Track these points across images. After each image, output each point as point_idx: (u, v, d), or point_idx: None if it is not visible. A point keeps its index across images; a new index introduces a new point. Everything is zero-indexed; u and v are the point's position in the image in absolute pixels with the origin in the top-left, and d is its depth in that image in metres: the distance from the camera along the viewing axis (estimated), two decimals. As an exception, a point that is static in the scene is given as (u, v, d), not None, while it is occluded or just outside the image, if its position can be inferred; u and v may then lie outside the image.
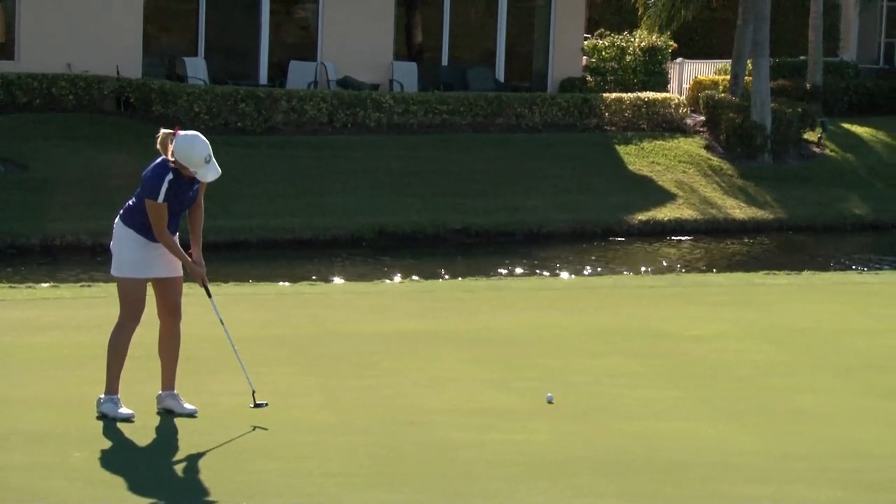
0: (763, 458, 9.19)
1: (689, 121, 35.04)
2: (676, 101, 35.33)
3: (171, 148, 9.68)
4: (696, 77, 37.83)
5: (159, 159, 9.78)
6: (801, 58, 38.84)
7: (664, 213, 30.28)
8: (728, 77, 36.25)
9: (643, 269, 25.31)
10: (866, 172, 34.34)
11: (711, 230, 30.23)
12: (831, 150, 35.06)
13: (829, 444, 9.57)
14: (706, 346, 12.82)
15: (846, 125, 36.69)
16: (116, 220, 9.93)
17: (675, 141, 33.94)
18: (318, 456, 8.99)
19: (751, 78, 34.53)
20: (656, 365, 11.96)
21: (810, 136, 35.10)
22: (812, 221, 31.30)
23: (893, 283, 18.66)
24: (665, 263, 26.96)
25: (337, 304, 15.52)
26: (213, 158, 9.74)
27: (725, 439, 9.63)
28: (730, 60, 36.40)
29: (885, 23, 44.19)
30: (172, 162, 9.69)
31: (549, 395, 10.53)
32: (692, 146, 33.90)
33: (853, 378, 11.61)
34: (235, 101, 29.94)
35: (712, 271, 24.56)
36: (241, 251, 24.85)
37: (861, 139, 36.07)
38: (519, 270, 23.76)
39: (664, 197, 31.08)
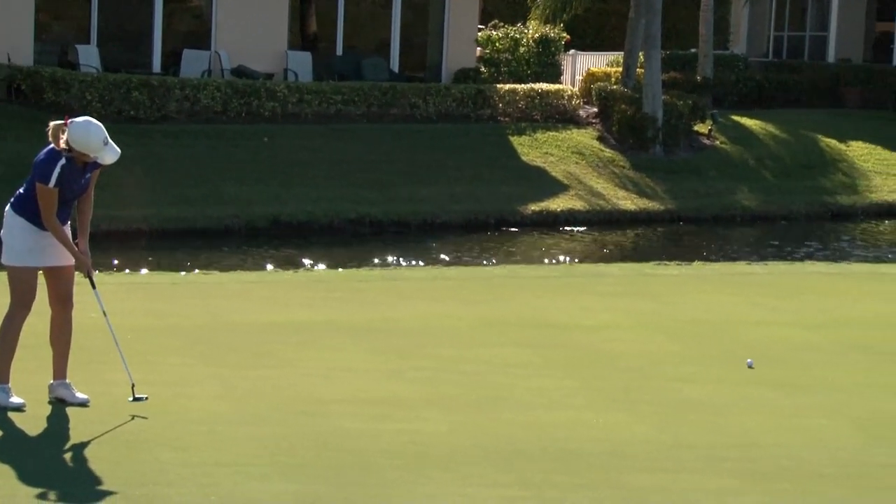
0: (655, 446, 9.27)
1: (581, 112, 35.23)
2: (569, 92, 35.50)
3: (63, 138, 9.57)
4: (589, 69, 38.01)
5: (51, 146, 9.68)
6: (692, 51, 39.19)
7: (557, 204, 30.42)
8: (620, 69, 36.47)
9: (537, 259, 25.41)
10: (755, 164, 34.71)
11: (603, 221, 30.41)
12: (721, 142, 35.40)
13: (719, 433, 9.66)
14: (599, 336, 12.90)
15: (736, 117, 37.08)
16: (7, 208, 9.80)
17: (568, 132, 34.11)
18: (212, 446, 8.94)
19: (643, 70, 34.77)
20: (550, 355, 12.02)
21: (701, 128, 35.42)
22: (702, 212, 31.59)
23: (781, 273, 18.86)
24: (558, 254, 27.09)
25: (231, 293, 15.44)
26: (110, 140, 9.67)
27: (618, 428, 9.69)
28: (622, 53, 36.62)
29: (773, 17, 44.73)
30: (67, 150, 9.57)
31: (750, 360, 11.37)
32: (585, 137, 34.08)
33: (742, 368, 11.72)
34: (128, 89, 29.65)
35: (605, 262, 24.72)
36: (135, 241, 24.63)
37: (750, 131, 36.45)
38: (414, 261, 23.76)
39: (557, 188, 31.23)
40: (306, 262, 22.28)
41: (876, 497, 8.34)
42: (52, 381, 9.87)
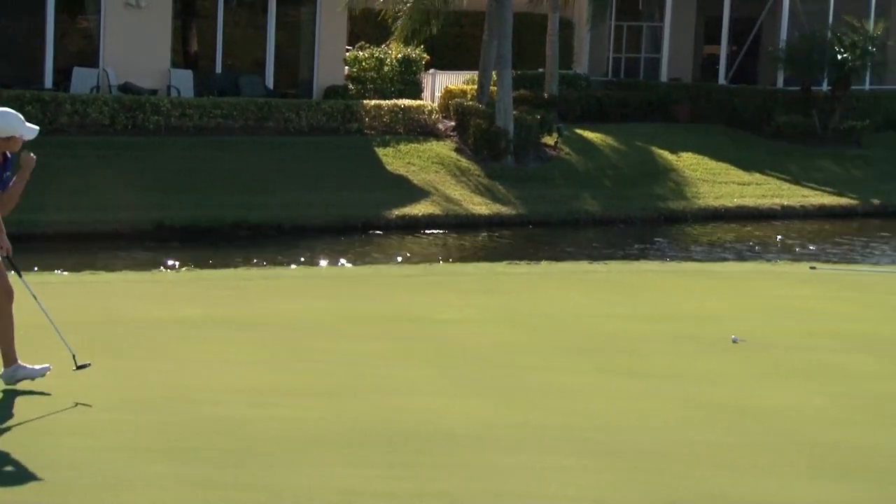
0: (514, 429, 9.36)
1: (440, 126, 35.43)
2: (429, 107, 35.68)
3: None
4: (447, 86, 38.22)
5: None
6: (540, 70, 39.54)
7: (418, 209, 30.58)
8: (475, 87, 36.72)
9: (400, 259, 25.55)
10: (597, 173, 35.14)
11: (461, 225, 30.63)
12: (566, 153, 35.79)
13: (570, 415, 9.78)
14: (457, 329, 13.01)
15: (579, 131, 37.49)
16: None
17: (429, 144, 34.28)
18: (110, 431, 8.92)
19: (496, 88, 35.06)
20: (415, 347, 12.11)
21: (548, 140, 35.77)
22: (549, 217, 31.92)
23: (619, 271, 19.15)
24: (419, 254, 27.23)
25: (119, 292, 15.36)
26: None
27: (483, 412, 9.78)
28: (477, 72, 36.88)
29: (612, 41, 45.26)
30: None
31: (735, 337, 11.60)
32: (443, 149, 34.27)
33: (588, 357, 11.91)
34: (21, 103, 29.25)
35: (462, 262, 24.90)
36: (28, 244, 24.30)
37: (592, 143, 36.89)
38: (289, 261, 23.77)
39: (419, 194, 31.39)
40: (188, 262, 22.17)
41: (699, 473, 8.54)
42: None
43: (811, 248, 29.93)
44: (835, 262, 25.45)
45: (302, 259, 24.43)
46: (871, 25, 40.41)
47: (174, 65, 34.35)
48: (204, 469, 8.23)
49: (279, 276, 17.73)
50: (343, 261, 24.40)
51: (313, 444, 8.83)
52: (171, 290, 15.63)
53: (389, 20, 36.35)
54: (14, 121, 9.64)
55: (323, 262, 24.10)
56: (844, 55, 39.54)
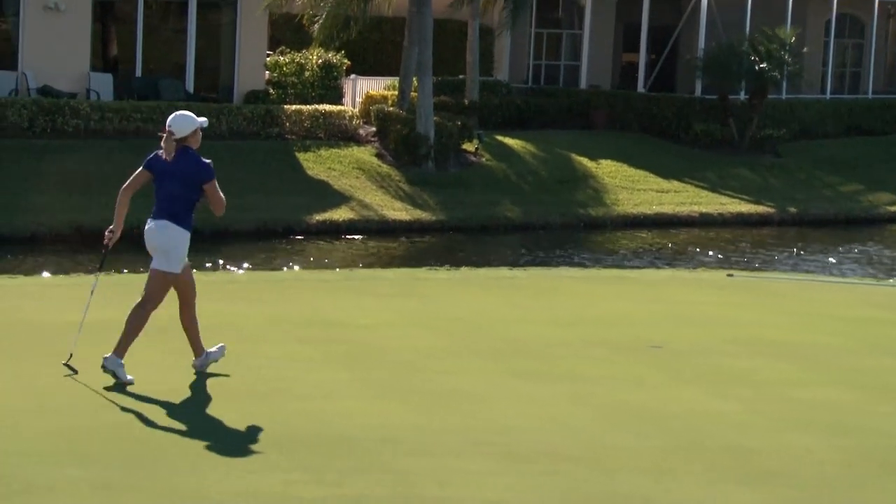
0: (423, 433, 9.33)
1: (361, 131, 35.34)
2: (350, 113, 35.58)
3: (176, 137, 10.20)
4: (368, 92, 38.13)
5: (187, 152, 10.25)
6: (461, 77, 39.55)
7: (339, 214, 30.46)
8: (396, 92, 36.66)
9: (320, 264, 25.41)
10: (517, 179, 35.18)
11: (381, 230, 30.55)
12: (487, 160, 35.81)
13: (481, 419, 9.76)
14: (375, 334, 12.93)
15: (499, 137, 37.53)
16: (164, 222, 10.26)
17: (350, 149, 34.18)
18: (15, 437, 8.76)
19: (416, 94, 35.00)
20: (330, 350, 12.02)
21: (468, 146, 35.79)
22: (469, 223, 31.92)
23: (537, 277, 19.13)
24: (340, 259, 27.11)
25: (32, 295, 15.12)
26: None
27: (390, 416, 9.74)
28: (398, 78, 36.81)
29: (532, 48, 45.39)
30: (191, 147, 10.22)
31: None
32: (364, 154, 34.17)
33: (502, 361, 11.87)
34: (-61, 106, 28.90)
35: (381, 266, 24.81)
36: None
37: (512, 150, 36.94)
38: (207, 265, 23.55)
39: (339, 199, 31.26)
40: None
41: (614, 476, 8.53)
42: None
43: (728, 255, 30.10)
44: (751, 270, 25.61)
45: (221, 263, 24.21)
46: (786, 35, 40.76)
47: (94, 68, 34.02)
48: (107, 473, 8.12)
49: (198, 280, 17.48)
50: (262, 265, 24.20)
51: (220, 447, 8.73)
52: (84, 293, 15.36)
53: (307, 23, 36.15)
54: (191, 117, 10.29)
55: (242, 267, 23.88)
56: (761, 65, 39.86)
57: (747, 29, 42.18)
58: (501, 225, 32.34)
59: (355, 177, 32.82)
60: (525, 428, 9.58)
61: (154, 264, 10.48)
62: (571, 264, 27.19)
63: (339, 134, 34.70)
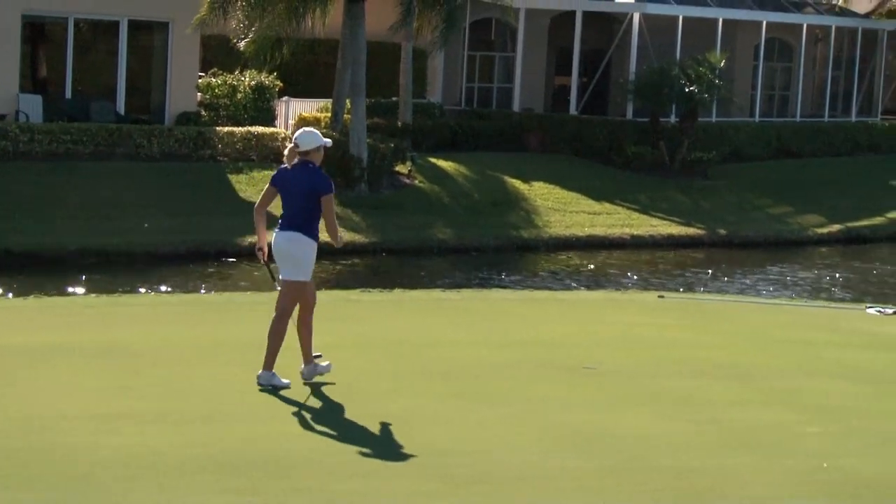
0: (361, 455, 9.31)
1: (294, 153, 35.24)
2: (283, 135, 35.51)
3: (300, 150, 10.94)
4: (300, 114, 38.09)
5: (307, 166, 10.98)
6: (394, 99, 39.61)
7: (271, 236, 30.34)
8: (329, 114, 36.64)
9: (252, 287, 25.29)
10: (450, 201, 35.24)
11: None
12: (420, 182, 35.85)
13: (420, 442, 9.75)
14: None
15: (433, 159, 37.60)
16: (292, 233, 11.02)
17: (282, 171, 34.05)
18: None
19: (350, 116, 35.00)
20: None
21: (402, 168, 35.82)
22: (403, 245, 31.92)
23: (472, 299, 19.15)
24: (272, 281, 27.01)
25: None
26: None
27: (328, 439, 9.72)
28: (331, 99, 36.80)
29: (465, 70, 45.56)
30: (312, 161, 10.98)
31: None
32: (297, 176, 34.07)
33: (439, 383, 11.87)
34: None
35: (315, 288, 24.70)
36: None
37: (446, 172, 37.01)
38: (140, 287, 23.42)
39: (271, 222, 31.12)
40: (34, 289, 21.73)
41: (556, 497, 8.57)
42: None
43: (659, 277, 30.30)
44: (682, 291, 25.79)
45: (153, 286, 24.07)
46: (716, 58, 41.17)
47: (23, 90, 33.75)
48: (45, 496, 8.03)
49: (127, 303, 17.41)
50: (195, 288, 24.09)
51: (158, 470, 8.67)
52: (17, 317, 15.25)
53: (234, 42, 35.89)
54: (316, 135, 11.07)
55: (174, 289, 23.76)
56: (692, 88, 40.22)
57: (678, 53, 42.56)
58: (435, 247, 32.36)
59: (288, 199, 32.74)
60: (465, 450, 9.59)
61: (284, 276, 11.21)
62: (505, 286, 27.26)
63: (271, 156, 34.59)
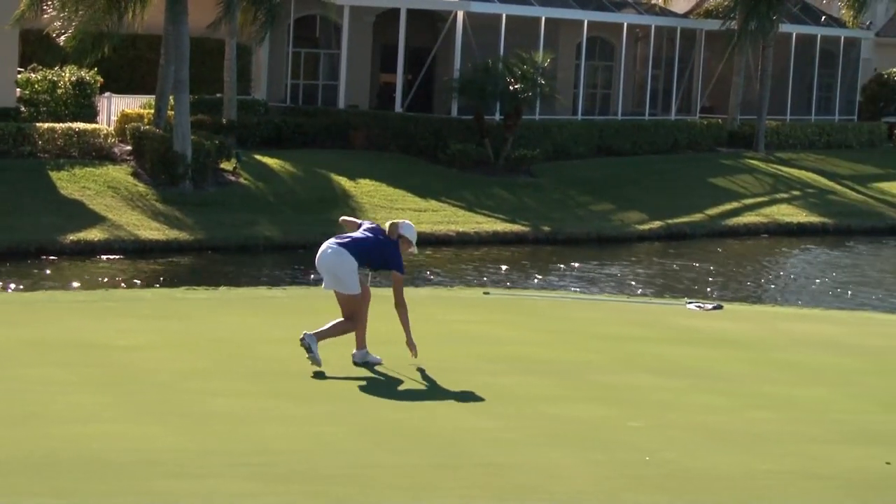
0: (183, 455, 9.26)
1: (117, 150, 34.82)
2: (105, 131, 35.04)
3: (399, 233, 12.56)
4: (123, 110, 37.59)
5: (394, 243, 12.54)
6: (218, 95, 39.31)
7: (94, 235, 29.94)
8: (153, 111, 36.22)
9: (76, 285, 24.93)
10: (275, 199, 35.11)
11: (138, 250, 30.15)
12: (245, 179, 35.65)
13: (241, 441, 9.74)
14: (134, 355, 12.75)
15: (258, 156, 37.41)
16: (341, 249, 12.35)
17: (105, 168, 33.64)
18: None
19: (173, 112, 34.65)
20: (87, 373, 11.82)
21: (226, 165, 35.59)
22: (229, 242, 31.74)
23: (299, 297, 19.11)
24: (97, 280, 26.65)
25: None
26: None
27: (149, 439, 9.65)
28: (154, 96, 36.39)
29: (290, 67, 45.39)
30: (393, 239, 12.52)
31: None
32: (120, 173, 33.67)
33: (263, 382, 11.85)
34: None
35: (140, 287, 24.48)
36: None
37: (271, 169, 36.86)
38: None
39: (95, 219, 30.73)
40: None
41: (379, 494, 8.60)
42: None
43: (484, 273, 30.57)
44: (507, 288, 26.06)
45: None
46: (539, 57, 41.66)
47: None
48: None
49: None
50: (14, 286, 23.64)
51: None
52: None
53: (54, 36, 35.20)
54: (413, 235, 12.77)
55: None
56: (516, 86, 40.64)
57: (501, 51, 42.97)
58: (261, 245, 32.23)
59: (111, 196, 32.31)
60: (286, 449, 9.60)
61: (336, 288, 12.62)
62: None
63: (93, 153, 34.12)
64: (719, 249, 37.39)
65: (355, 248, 12.46)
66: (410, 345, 12.58)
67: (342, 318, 12.62)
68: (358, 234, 12.68)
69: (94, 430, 9.83)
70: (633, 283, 30.62)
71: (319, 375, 12.22)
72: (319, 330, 12.43)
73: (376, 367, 12.62)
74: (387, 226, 12.77)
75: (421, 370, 12.59)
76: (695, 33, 52.36)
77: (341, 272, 12.42)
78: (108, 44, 35.15)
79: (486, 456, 9.66)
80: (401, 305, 12.61)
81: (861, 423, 11.35)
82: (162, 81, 35.63)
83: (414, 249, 12.82)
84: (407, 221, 12.90)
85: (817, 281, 32.32)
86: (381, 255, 12.54)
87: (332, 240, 12.62)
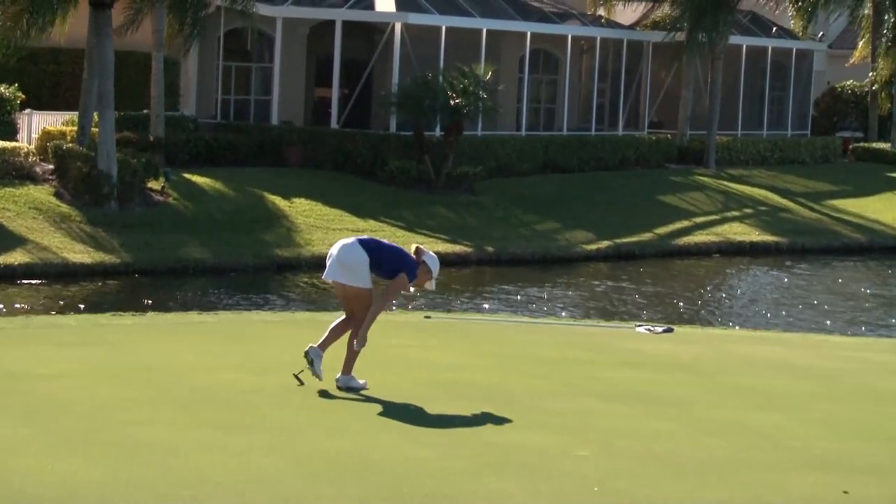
0: (108, 488, 9.17)
1: (38, 169, 34.61)
2: (26, 150, 34.84)
3: (421, 258, 12.83)
4: (45, 127, 37.37)
5: (415, 261, 12.77)
6: (145, 111, 39.16)
7: (14, 258, 29.72)
8: (76, 128, 36.02)
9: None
10: (206, 219, 34.98)
11: (62, 274, 29.94)
12: (174, 199, 35.51)
13: (170, 473, 9.66)
14: (55, 385, 12.64)
15: (187, 175, 37.28)
16: (357, 245, 12.69)
17: (25, 188, 33.42)
18: None
19: (97, 129, 34.47)
20: (6, 404, 11.69)
21: (154, 184, 35.44)
22: (157, 265, 31.58)
23: (229, 322, 19.05)
24: (16, 306, 26.43)
25: None
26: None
27: (73, 472, 9.55)
28: (77, 112, 36.19)
29: (220, 81, 45.26)
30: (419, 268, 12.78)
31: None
32: (42, 193, 33.46)
33: (193, 411, 11.77)
34: None
35: (62, 313, 24.30)
36: None
37: (201, 188, 36.72)
38: None
39: (14, 242, 30.51)
40: None
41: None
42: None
43: (423, 296, 30.56)
44: (449, 311, 26.07)
45: None
46: (481, 70, 41.75)
47: None
48: None
49: None
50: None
51: None
52: None
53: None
54: (436, 266, 13.02)
55: None
56: (456, 100, 40.70)
57: (441, 64, 43.04)
58: (191, 267, 32.09)
59: (32, 217, 32.08)
60: (218, 481, 9.52)
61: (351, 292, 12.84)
62: (264, 308, 27.16)
63: (13, 172, 33.89)
64: (672, 272, 37.57)
65: (375, 246, 12.83)
66: (361, 337, 12.77)
67: (340, 321, 12.94)
68: (385, 241, 13.16)
69: (14, 464, 9.72)
70: (580, 305, 30.69)
71: (253, 404, 12.15)
72: (322, 340, 12.87)
73: (315, 394, 12.57)
74: (412, 248, 13.05)
75: (362, 397, 12.56)
76: (642, 45, 52.69)
77: (355, 262, 12.66)
78: (13, 56, 34.59)
79: (431, 486, 9.64)
80: (384, 299, 12.88)
81: (815, 450, 11.41)
82: (85, 97, 35.45)
83: (432, 284, 13.04)
84: (432, 253, 13.18)
85: (765, 303, 32.53)
86: (397, 264, 12.78)
87: (353, 237, 13.10)
